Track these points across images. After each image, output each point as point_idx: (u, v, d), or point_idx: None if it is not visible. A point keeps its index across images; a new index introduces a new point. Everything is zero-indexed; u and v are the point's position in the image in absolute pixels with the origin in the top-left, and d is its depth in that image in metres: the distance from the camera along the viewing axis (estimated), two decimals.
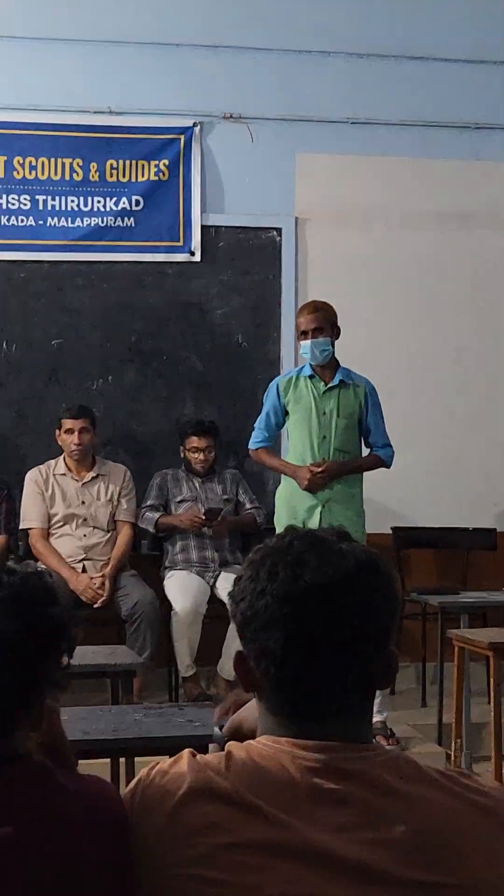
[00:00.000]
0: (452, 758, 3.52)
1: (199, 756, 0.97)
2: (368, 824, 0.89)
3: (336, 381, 3.73)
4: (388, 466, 3.78)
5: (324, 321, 3.71)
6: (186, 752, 0.98)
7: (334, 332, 3.69)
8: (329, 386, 3.72)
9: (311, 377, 3.74)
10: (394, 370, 4.60)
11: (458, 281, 4.83)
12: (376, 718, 3.46)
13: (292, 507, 3.69)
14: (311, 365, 3.72)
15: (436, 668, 3.97)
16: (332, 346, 3.70)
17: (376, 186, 4.81)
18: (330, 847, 0.87)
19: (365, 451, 3.82)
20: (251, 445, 3.99)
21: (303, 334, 3.74)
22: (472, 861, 0.89)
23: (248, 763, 0.95)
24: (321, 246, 4.86)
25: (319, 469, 3.61)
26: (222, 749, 1.00)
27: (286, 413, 3.84)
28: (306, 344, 3.70)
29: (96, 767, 1.83)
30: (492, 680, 3.36)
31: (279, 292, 4.80)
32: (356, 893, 0.86)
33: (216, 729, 1.17)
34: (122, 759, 2.53)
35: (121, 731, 2.21)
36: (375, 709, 3.32)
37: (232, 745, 0.98)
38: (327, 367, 3.69)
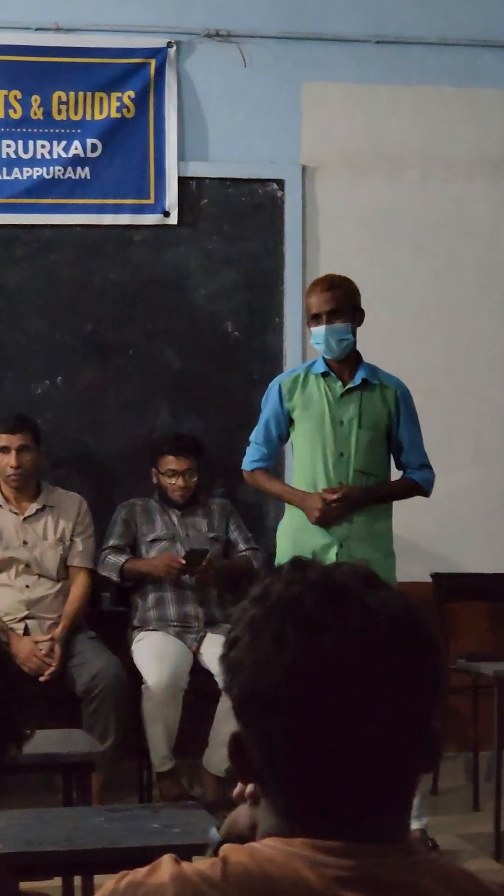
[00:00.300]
0: None
1: (184, 863, 1.00)
2: None
3: (358, 381, 3.81)
4: (426, 494, 3.91)
5: (343, 301, 3.78)
6: (167, 857, 1.01)
7: (356, 316, 3.78)
8: (348, 387, 3.80)
9: (324, 375, 3.82)
10: (430, 368, 4.77)
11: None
12: (414, 826, 3.47)
13: (300, 546, 3.73)
14: (324, 359, 3.81)
15: (491, 758, 4.13)
16: (354, 334, 3.78)
17: (407, 124, 4.93)
18: None
19: (395, 474, 3.92)
20: (245, 466, 4.03)
21: (314, 318, 3.79)
22: None
23: (252, 871, 0.97)
24: (336, 203, 4.96)
25: (335, 496, 3.69)
26: (215, 855, 1.03)
27: (291, 422, 3.91)
28: (319, 331, 3.77)
29: (44, 889, 1.78)
30: None
31: (281, 265, 4.87)
32: None
33: (212, 829, 1.22)
34: (77, 878, 2.67)
35: (76, 840, 2.33)
36: (412, 813, 3.63)
37: (228, 849, 1.00)
38: (346, 362, 3.80)
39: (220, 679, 1.28)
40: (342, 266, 4.36)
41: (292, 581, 1.01)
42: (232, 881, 0.95)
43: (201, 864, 0.99)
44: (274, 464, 4.28)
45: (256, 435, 4.10)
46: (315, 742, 0.96)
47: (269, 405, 4.06)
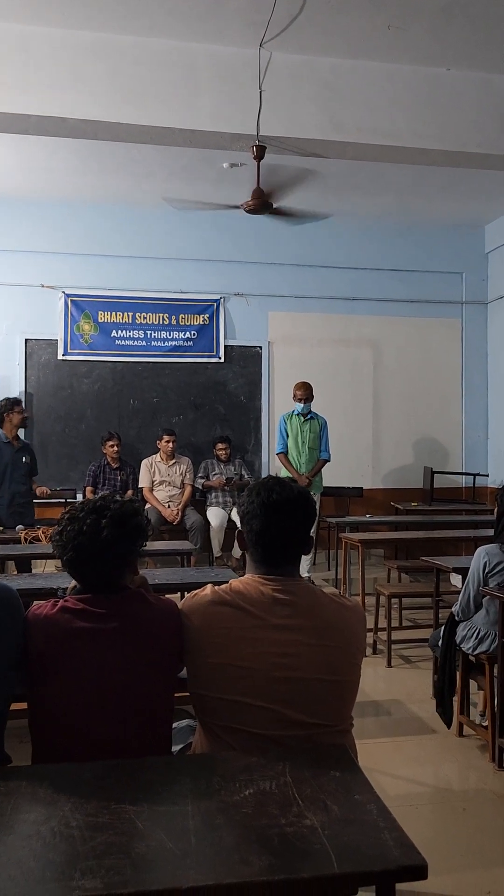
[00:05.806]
0: (340, 591, 5.35)
1: (215, 587, 1.62)
2: (301, 615, 1.58)
3: (310, 416, 6.54)
4: (328, 461, 6.65)
5: (308, 392, 6.52)
6: (209, 585, 1.63)
7: (312, 396, 6.47)
8: (306, 419, 6.56)
9: (298, 415, 6.61)
10: (330, 411, 7.12)
11: (353, 373, 7.79)
12: (305, 575, 6.02)
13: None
14: (300, 410, 6.57)
15: (333, 552, 6.60)
16: (311, 401, 6.45)
17: (308, 328, 7.85)
18: (283, 623, 1.58)
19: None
20: (277, 450, 6.72)
21: (298, 399, 6.53)
22: (339, 631, 1.60)
23: (239, 587, 1.59)
24: (281, 356, 7.69)
25: (305, 478, 6.33)
26: (65, 593, 1.58)
27: (288, 433, 6.59)
28: (299, 405, 6.55)
29: (175, 597, 2.37)
30: (360, 556, 5.57)
31: (260, 377, 7.71)
32: (294, 639, 1.56)
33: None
34: (185, 592, 3.56)
35: (185, 579, 3.58)
36: (305, 569, 6.51)
37: (231, 581, 1.61)
38: (307, 412, 6.51)
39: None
40: (281, 379, 7.25)
41: (267, 479, 1.77)
42: (233, 590, 1.63)
43: (221, 586, 1.66)
44: (286, 449, 6.66)
45: (279, 438, 6.69)
46: (267, 535, 1.68)
47: (281, 425, 6.66)
